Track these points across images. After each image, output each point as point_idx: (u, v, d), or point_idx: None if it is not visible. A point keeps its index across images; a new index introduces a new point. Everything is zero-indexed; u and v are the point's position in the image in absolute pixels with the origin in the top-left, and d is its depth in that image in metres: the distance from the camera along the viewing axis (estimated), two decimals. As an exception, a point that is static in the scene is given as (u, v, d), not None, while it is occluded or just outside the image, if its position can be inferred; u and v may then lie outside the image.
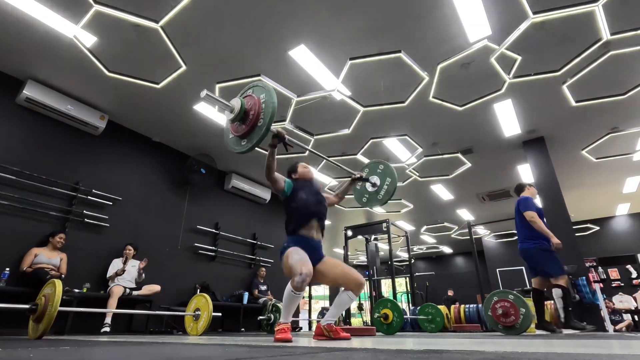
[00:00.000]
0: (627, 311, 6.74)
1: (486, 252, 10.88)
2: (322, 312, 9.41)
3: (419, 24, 3.41)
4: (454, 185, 7.22)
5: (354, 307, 8.18)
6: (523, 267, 9.95)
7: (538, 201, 3.82)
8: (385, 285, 11.39)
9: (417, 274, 12.34)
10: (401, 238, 9.37)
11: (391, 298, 5.04)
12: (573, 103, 4.19)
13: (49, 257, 3.75)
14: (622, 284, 8.50)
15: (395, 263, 7.57)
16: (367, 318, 8.40)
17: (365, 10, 3.24)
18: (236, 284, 6.05)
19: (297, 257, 1.98)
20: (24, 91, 3.92)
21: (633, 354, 1.01)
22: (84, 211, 4.31)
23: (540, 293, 3.37)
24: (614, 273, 8.69)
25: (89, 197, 4.38)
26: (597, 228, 9.34)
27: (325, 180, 6.60)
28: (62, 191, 4.18)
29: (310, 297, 9.24)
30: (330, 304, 3.07)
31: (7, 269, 3.48)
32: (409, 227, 9.93)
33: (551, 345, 1.50)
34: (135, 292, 4.20)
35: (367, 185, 2.82)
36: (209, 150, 5.63)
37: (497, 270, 10.44)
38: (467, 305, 5.87)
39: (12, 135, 3.96)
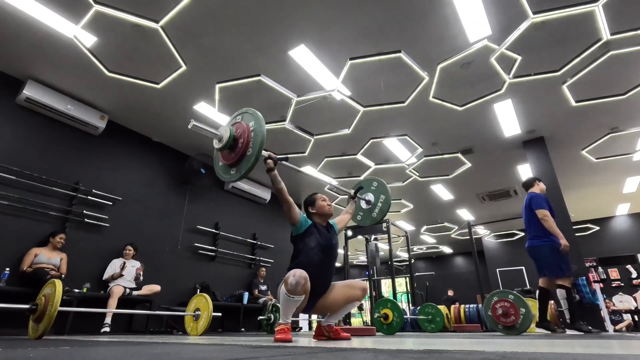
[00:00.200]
0: (627, 311, 6.74)
1: (486, 252, 10.88)
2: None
3: (419, 24, 3.41)
4: (454, 185, 7.22)
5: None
6: (523, 267, 9.96)
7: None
8: (385, 285, 11.39)
9: (417, 274, 12.33)
10: (401, 238, 9.36)
11: (391, 298, 5.04)
12: (573, 103, 4.19)
13: (49, 257, 3.75)
14: (622, 284, 8.50)
15: (395, 263, 7.57)
16: (367, 318, 8.41)
17: (365, 10, 3.24)
18: (236, 284, 6.05)
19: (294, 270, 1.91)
20: (24, 91, 3.92)
21: (633, 354, 1.01)
22: (84, 211, 4.31)
23: (547, 292, 3.33)
24: (614, 273, 8.69)
25: (89, 197, 4.38)
26: (597, 228, 9.34)
27: (325, 179, 6.60)
28: (62, 191, 4.18)
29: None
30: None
31: (7, 269, 3.49)
32: (409, 227, 9.93)
33: (551, 345, 1.50)
34: (135, 292, 4.20)
35: (362, 203, 2.81)
36: (209, 150, 5.63)
37: (497, 270, 10.44)
38: (467, 305, 5.87)
39: (12, 135, 3.96)
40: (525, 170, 6.43)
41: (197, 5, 3.10)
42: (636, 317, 6.55)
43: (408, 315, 5.11)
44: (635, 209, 9.03)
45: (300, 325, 6.88)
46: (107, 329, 3.72)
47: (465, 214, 9.03)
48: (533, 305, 3.83)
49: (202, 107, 4.63)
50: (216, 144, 1.89)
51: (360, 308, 8.57)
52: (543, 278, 3.35)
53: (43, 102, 4.05)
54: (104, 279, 4.21)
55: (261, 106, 4.56)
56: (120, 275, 4.16)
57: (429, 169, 6.31)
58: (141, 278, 4.38)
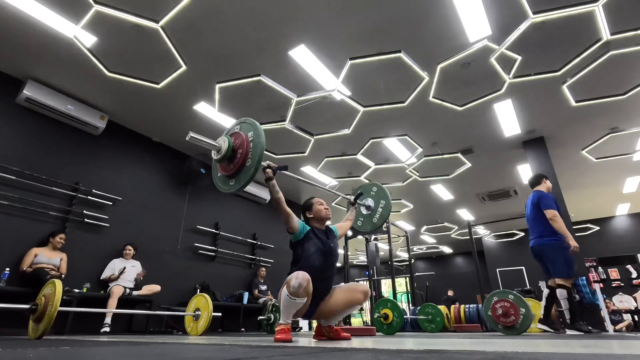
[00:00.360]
0: (627, 311, 6.74)
1: (486, 252, 10.88)
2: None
3: (419, 24, 3.41)
4: (454, 185, 7.22)
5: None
6: (523, 267, 9.96)
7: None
8: (385, 285, 11.40)
9: (417, 274, 12.34)
10: (401, 238, 9.36)
11: (391, 298, 5.04)
12: (573, 103, 4.19)
13: (49, 257, 3.75)
14: (622, 284, 8.50)
15: (395, 263, 7.57)
16: (367, 318, 8.41)
17: (365, 10, 3.24)
18: (236, 284, 6.05)
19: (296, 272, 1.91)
20: (24, 91, 3.92)
21: (633, 354, 1.01)
22: (84, 211, 4.31)
23: (556, 292, 3.25)
24: (614, 273, 8.70)
25: (89, 197, 4.38)
26: (597, 228, 9.34)
27: (325, 180, 6.60)
28: (62, 191, 4.18)
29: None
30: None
31: (7, 269, 3.49)
32: (409, 227, 9.93)
33: (551, 345, 1.50)
34: (135, 292, 4.20)
35: (362, 208, 2.80)
36: (209, 151, 5.63)
37: (497, 270, 10.44)
38: (467, 305, 5.87)
39: (12, 135, 3.96)
40: (525, 170, 6.43)
41: (197, 5, 3.10)
42: (636, 317, 6.54)
43: (408, 315, 5.11)
44: (635, 209, 9.03)
45: (300, 325, 6.88)
46: (107, 329, 3.72)
47: (465, 214, 9.03)
48: (533, 305, 3.83)
49: (202, 107, 4.63)
50: (214, 155, 1.87)
51: (361, 308, 8.58)
52: (552, 279, 3.27)
53: (43, 102, 4.05)
54: (101, 278, 4.22)
55: (261, 106, 4.56)
56: (118, 277, 4.16)
57: (429, 169, 6.31)
58: (141, 281, 4.40)
